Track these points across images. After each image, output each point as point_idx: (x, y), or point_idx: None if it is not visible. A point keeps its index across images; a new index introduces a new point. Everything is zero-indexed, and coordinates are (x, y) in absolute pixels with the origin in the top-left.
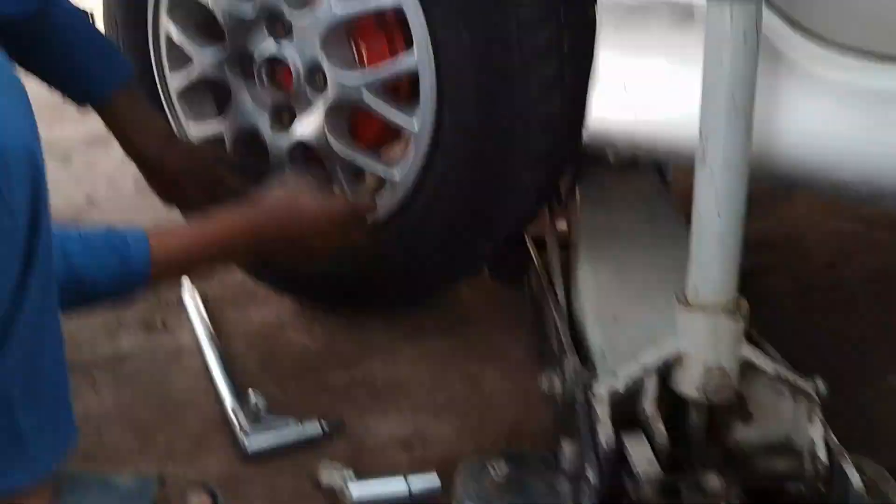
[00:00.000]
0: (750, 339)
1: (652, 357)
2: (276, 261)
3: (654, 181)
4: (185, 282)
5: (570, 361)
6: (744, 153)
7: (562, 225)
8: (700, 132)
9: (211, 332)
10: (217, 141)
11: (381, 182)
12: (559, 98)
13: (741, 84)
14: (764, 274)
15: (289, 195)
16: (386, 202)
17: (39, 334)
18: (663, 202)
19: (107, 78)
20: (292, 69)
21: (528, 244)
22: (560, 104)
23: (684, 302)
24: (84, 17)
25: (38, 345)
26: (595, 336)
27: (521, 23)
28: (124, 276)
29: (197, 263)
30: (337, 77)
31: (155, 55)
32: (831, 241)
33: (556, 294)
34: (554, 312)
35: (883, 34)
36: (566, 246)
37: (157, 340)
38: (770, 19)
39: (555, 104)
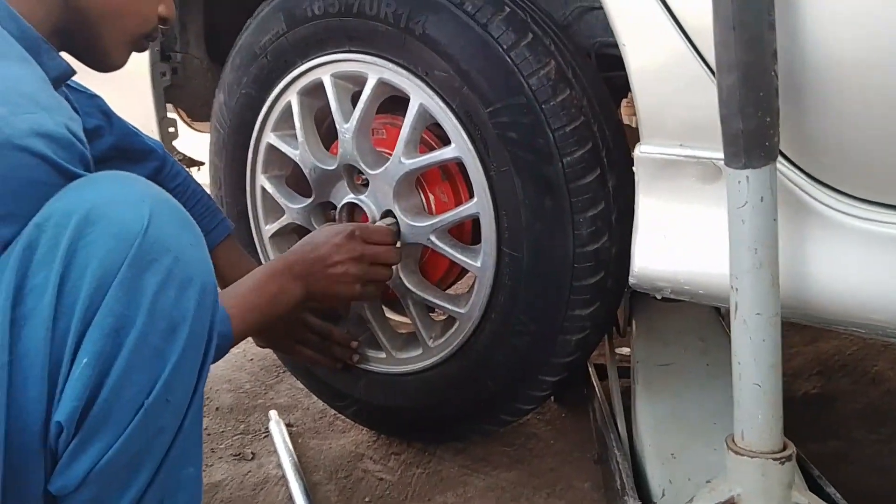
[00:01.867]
0: (811, 480)
1: (706, 501)
2: (322, 294)
3: (708, 313)
4: (273, 414)
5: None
6: (773, 303)
7: (625, 350)
8: (731, 285)
9: (295, 462)
10: None
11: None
12: (607, 236)
13: (763, 241)
14: (833, 400)
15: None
16: (454, 336)
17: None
18: (718, 335)
19: (209, 236)
20: (369, 216)
21: (591, 372)
22: (608, 241)
23: (733, 447)
24: (191, 180)
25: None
26: (654, 474)
27: (566, 168)
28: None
29: (264, 317)
30: (407, 223)
31: (251, 205)
32: None
33: (617, 427)
34: (615, 450)
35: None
36: (628, 372)
37: (247, 470)
38: (795, 177)
39: (603, 242)
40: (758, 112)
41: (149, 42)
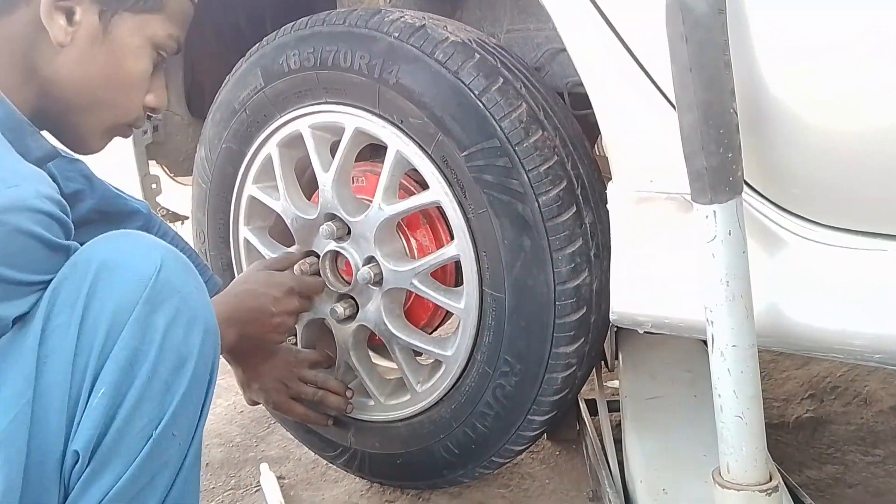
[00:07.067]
0: None
1: None
2: (254, 338)
3: (695, 344)
4: (264, 467)
5: None
6: (749, 334)
7: (615, 384)
8: (706, 318)
9: None
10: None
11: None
12: (587, 272)
13: (734, 273)
14: (826, 423)
15: (240, 281)
16: (442, 380)
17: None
18: (705, 366)
19: None
20: (352, 263)
21: (582, 408)
22: (588, 277)
23: (719, 480)
24: (179, 239)
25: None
26: None
27: (543, 207)
28: None
29: None
30: (390, 268)
31: (235, 257)
32: (894, 380)
33: (608, 463)
34: (608, 488)
35: (868, 216)
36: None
37: None
38: (765, 208)
39: (583, 278)
40: (719, 149)
41: (133, 129)
